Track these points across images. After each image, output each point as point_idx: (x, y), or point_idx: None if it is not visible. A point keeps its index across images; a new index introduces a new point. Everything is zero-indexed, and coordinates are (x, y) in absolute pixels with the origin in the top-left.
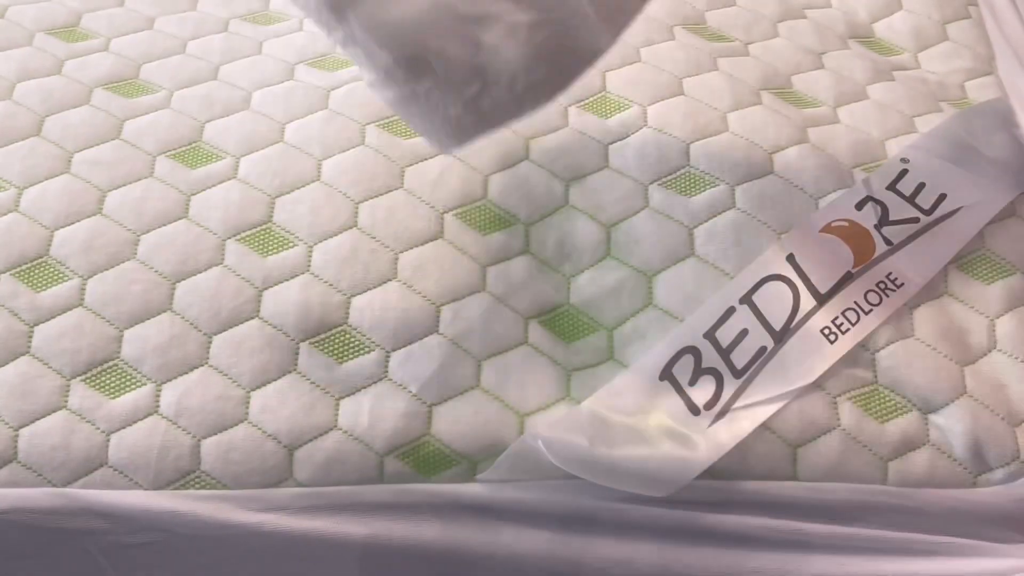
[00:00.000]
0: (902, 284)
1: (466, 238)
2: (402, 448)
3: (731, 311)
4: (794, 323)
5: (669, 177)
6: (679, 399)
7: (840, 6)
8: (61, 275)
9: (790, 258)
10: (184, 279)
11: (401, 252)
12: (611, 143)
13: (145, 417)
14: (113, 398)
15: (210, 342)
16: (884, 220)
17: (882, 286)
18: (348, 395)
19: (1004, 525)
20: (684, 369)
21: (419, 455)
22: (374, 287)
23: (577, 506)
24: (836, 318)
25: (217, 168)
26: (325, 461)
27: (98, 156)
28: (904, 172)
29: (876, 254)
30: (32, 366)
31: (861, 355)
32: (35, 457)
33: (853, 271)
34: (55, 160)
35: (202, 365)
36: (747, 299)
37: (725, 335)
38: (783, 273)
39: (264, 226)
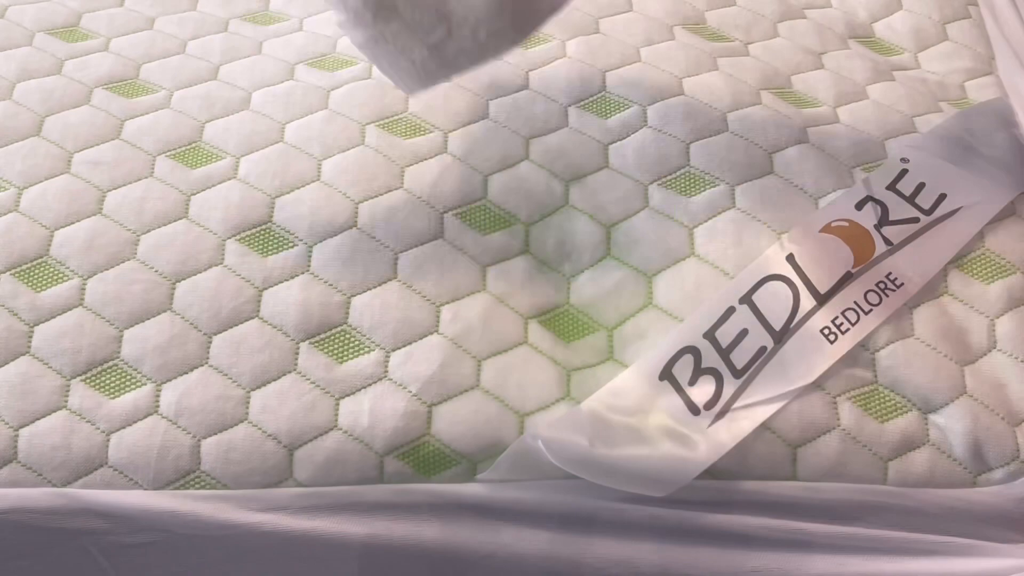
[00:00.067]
0: (902, 284)
1: (466, 238)
2: (402, 448)
3: (731, 311)
4: (794, 323)
5: (669, 177)
6: (679, 399)
7: (840, 6)
8: (61, 275)
9: (790, 258)
10: (184, 279)
11: (401, 252)
12: (611, 143)
13: (145, 417)
14: (113, 398)
15: (210, 342)
16: (884, 220)
17: (882, 286)
18: (348, 395)
19: (1004, 525)
20: (684, 369)
21: (419, 455)
22: (374, 287)
23: (577, 506)
24: (836, 318)
25: (217, 168)
26: (325, 461)
27: (98, 156)
28: (904, 172)
29: (876, 254)
30: (32, 366)
31: (861, 355)
32: (35, 457)
33: (853, 271)
34: (55, 160)
35: (202, 365)
36: (747, 299)
37: (725, 335)
38: (783, 273)
39: (264, 226)
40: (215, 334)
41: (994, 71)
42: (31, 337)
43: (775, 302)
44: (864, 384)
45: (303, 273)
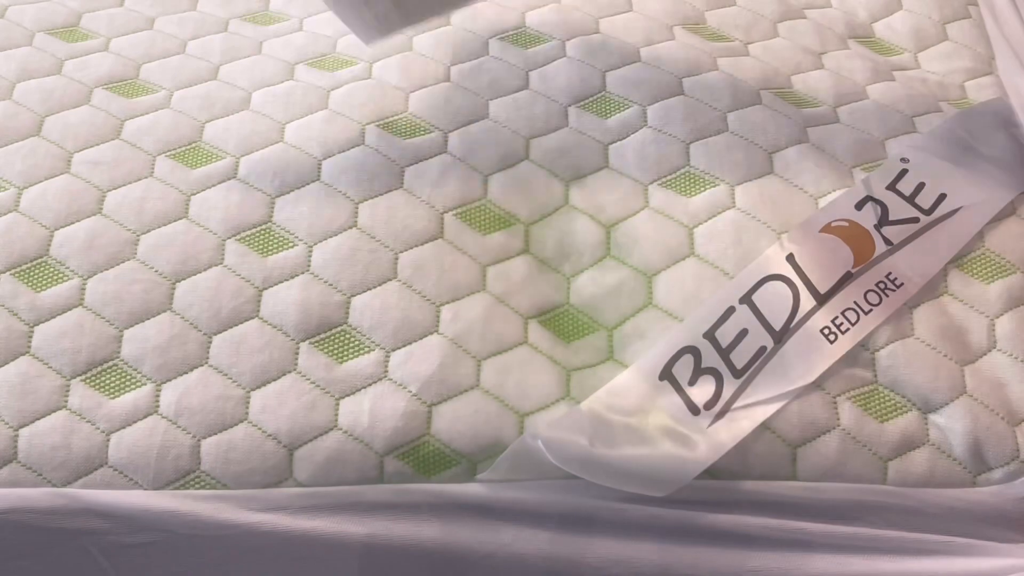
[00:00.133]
0: (902, 284)
1: (466, 238)
2: (402, 448)
3: (731, 311)
4: (794, 323)
5: (669, 177)
6: (679, 399)
7: (840, 6)
8: (61, 275)
9: (790, 258)
10: (184, 279)
11: (401, 252)
12: (611, 143)
13: (145, 417)
14: (113, 398)
15: (210, 342)
16: (884, 220)
17: (882, 286)
18: (348, 395)
19: (1004, 525)
20: (684, 369)
21: (419, 455)
22: (374, 287)
23: (577, 506)
24: (836, 318)
25: (217, 168)
26: (325, 461)
27: (98, 156)
28: (904, 172)
29: (876, 254)
30: (32, 366)
31: (861, 355)
32: (35, 457)
33: (853, 271)
34: (55, 160)
35: (202, 365)
36: (747, 299)
37: (725, 335)
38: (783, 273)
39: (264, 226)
40: (215, 334)
41: (994, 71)
42: (31, 337)
43: (775, 302)
44: (864, 384)
45: (303, 273)
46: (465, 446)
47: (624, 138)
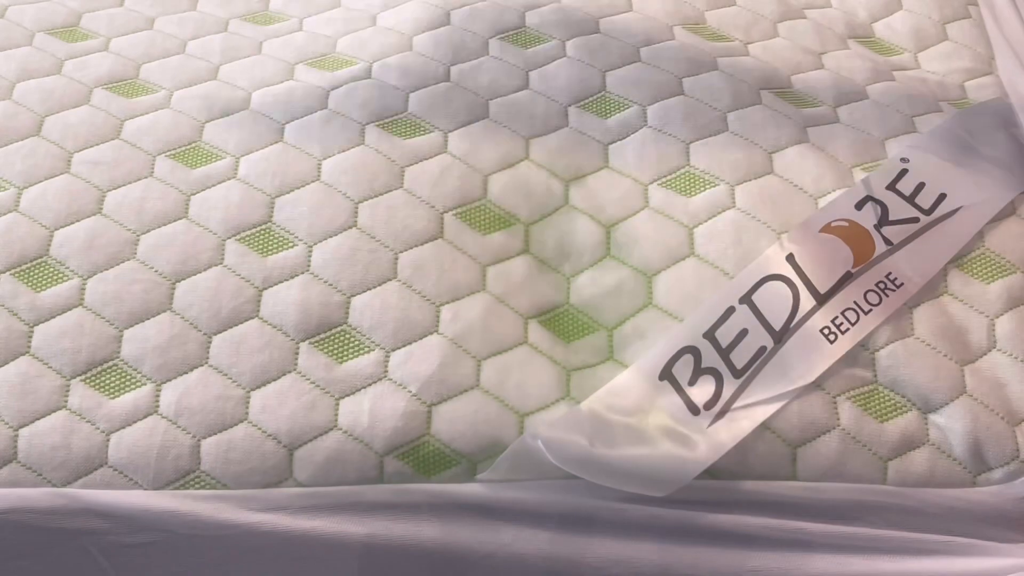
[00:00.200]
0: (902, 284)
1: (466, 238)
2: (402, 448)
3: (731, 311)
4: (794, 323)
5: (669, 177)
6: (679, 399)
7: (840, 6)
8: (61, 275)
9: (790, 258)
10: (184, 279)
11: (401, 252)
12: (611, 143)
13: (145, 417)
14: (113, 398)
15: (210, 342)
16: (884, 220)
17: (882, 286)
18: (348, 395)
19: (1004, 525)
20: (684, 369)
21: (419, 455)
22: (374, 287)
23: (577, 506)
24: (836, 318)
25: (217, 168)
26: (325, 461)
27: (98, 156)
28: (904, 172)
29: (876, 254)
30: (32, 366)
31: (861, 355)
32: (35, 457)
33: (853, 271)
34: (55, 160)
35: (202, 365)
36: (747, 299)
37: (725, 335)
38: (783, 273)
39: (264, 226)
40: (215, 334)
41: (994, 71)
42: (31, 337)
43: (775, 302)
44: (864, 384)
45: (303, 273)
46: (465, 446)
47: (624, 138)
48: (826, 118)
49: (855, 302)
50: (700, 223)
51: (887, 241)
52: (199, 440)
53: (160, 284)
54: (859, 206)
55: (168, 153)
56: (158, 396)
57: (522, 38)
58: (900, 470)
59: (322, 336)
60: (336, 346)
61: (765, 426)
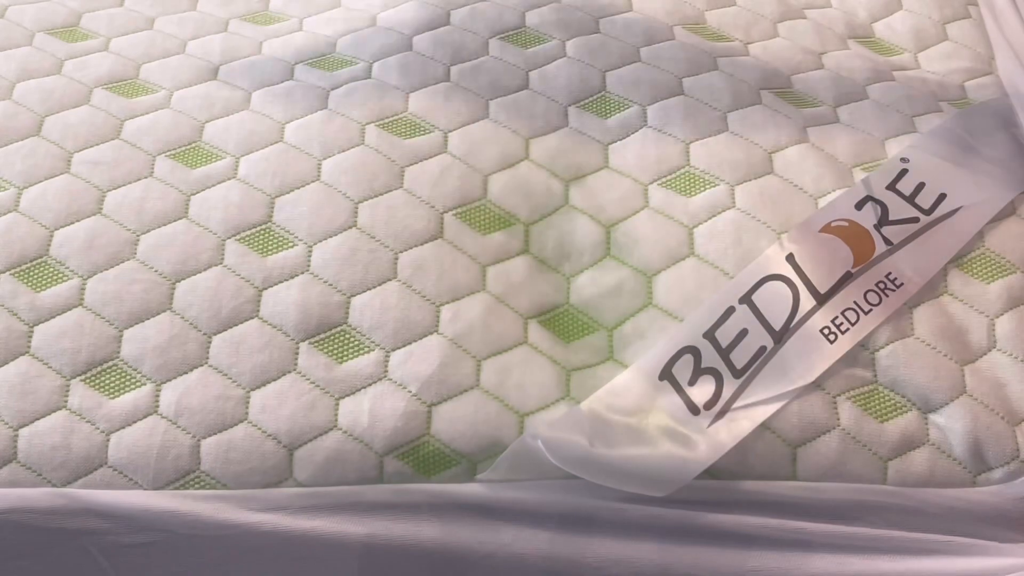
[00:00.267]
0: (902, 284)
1: (466, 238)
2: (402, 448)
3: (731, 311)
4: (794, 323)
5: (669, 177)
6: (679, 399)
7: (840, 6)
8: (61, 275)
9: (790, 258)
10: (184, 279)
11: (401, 252)
12: (611, 143)
13: (145, 417)
14: (113, 398)
15: (210, 342)
16: (884, 220)
17: (882, 286)
18: (348, 395)
19: (1004, 525)
20: (684, 369)
21: (419, 455)
22: (374, 287)
23: (577, 506)
24: (836, 318)
25: (217, 168)
26: (325, 461)
27: (98, 156)
28: (904, 172)
29: (876, 254)
30: (32, 366)
31: (861, 355)
32: (35, 457)
33: (853, 271)
34: (55, 160)
35: (202, 365)
36: (747, 299)
37: (725, 335)
38: (783, 273)
39: (264, 226)
40: (215, 334)
41: (994, 71)
42: (31, 337)
43: (775, 302)
44: (864, 384)
45: (303, 273)
46: (465, 446)
47: (624, 138)
48: (826, 118)
49: (855, 302)
50: (700, 223)
51: (887, 241)
52: (199, 440)
53: (160, 284)
54: (859, 206)
55: (168, 153)
56: (158, 396)
57: (522, 38)
58: (900, 470)
59: (322, 336)
60: (336, 346)
61: (765, 426)
